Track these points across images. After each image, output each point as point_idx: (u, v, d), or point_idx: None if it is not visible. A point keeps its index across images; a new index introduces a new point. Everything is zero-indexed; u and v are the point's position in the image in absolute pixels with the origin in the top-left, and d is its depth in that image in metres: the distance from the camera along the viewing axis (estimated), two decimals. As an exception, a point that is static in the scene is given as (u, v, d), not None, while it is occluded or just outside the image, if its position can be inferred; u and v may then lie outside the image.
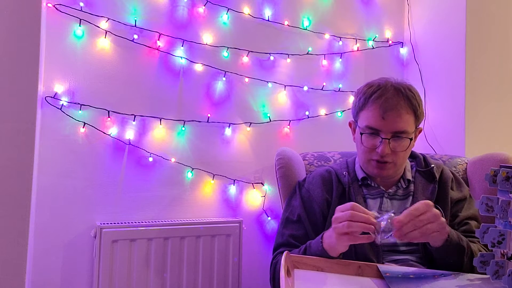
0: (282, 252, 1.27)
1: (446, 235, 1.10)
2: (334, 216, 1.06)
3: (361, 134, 1.29)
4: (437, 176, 1.34)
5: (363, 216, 1.02)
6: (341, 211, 1.05)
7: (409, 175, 1.35)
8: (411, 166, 1.39)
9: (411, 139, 1.27)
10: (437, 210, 1.05)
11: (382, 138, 1.25)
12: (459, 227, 1.28)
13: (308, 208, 1.34)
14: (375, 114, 1.26)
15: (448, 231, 1.10)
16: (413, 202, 1.30)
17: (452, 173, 1.39)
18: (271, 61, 2.13)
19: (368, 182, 1.35)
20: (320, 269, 1.05)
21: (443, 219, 1.06)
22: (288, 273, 0.98)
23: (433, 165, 1.36)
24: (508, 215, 0.89)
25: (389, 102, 1.25)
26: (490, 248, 0.93)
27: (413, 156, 1.42)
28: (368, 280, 1.02)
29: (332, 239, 1.07)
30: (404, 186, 1.33)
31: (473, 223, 1.29)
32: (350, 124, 1.40)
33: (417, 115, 1.29)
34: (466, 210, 1.32)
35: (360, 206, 1.04)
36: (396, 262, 1.23)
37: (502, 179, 0.89)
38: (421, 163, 1.39)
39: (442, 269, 1.12)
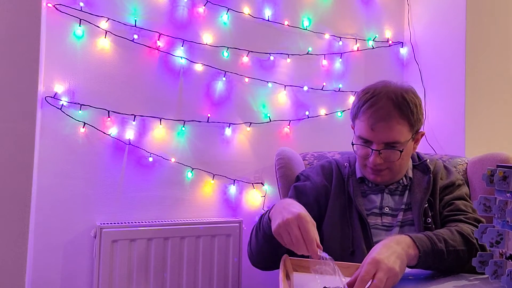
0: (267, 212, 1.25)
1: (415, 253, 1.02)
2: (289, 221, 0.98)
3: (353, 144, 1.31)
4: (431, 168, 1.35)
5: (302, 250, 0.96)
6: (297, 227, 0.97)
7: (410, 173, 1.36)
8: None
9: (401, 151, 1.24)
10: (385, 265, 0.93)
11: (373, 150, 1.24)
12: (444, 209, 1.28)
13: (301, 189, 1.37)
14: (365, 125, 1.25)
15: (413, 252, 1.02)
16: (409, 196, 1.31)
17: (444, 165, 1.40)
18: (271, 61, 2.13)
19: (366, 182, 1.36)
20: (319, 272, 1.05)
21: (393, 267, 0.93)
22: (288, 276, 0.98)
23: (426, 159, 1.38)
24: (506, 214, 0.88)
25: (379, 113, 1.22)
26: (488, 248, 0.93)
27: None
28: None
29: (274, 222, 1.02)
30: (406, 183, 1.34)
31: (459, 202, 1.28)
32: (352, 127, 1.41)
33: (412, 123, 1.25)
34: (453, 193, 1.31)
35: (312, 246, 0.95)
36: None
37: (499, 178, 0.89)
38: (415, 159, 1.40)
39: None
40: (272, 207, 1.13)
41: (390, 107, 1.23)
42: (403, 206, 1.30)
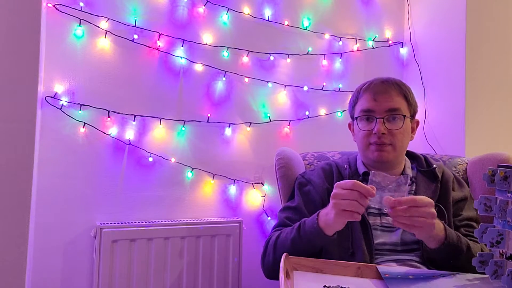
0: (277, 231, 1.30)
1: (442, 236, 1.12)
2: (334, 192, 1.08)
3: (357, 119, 1.35)
4: (439, 176, 1.34)
5: (366, 201, 1.05)
6: (343, 188, 1.06)
7: (409, 172, 1.36)
8: (412, 166, 1.40)
9: (404, 116, 1.31)
10: (434, 211, 1.06)
11: (377, 118, 1.30)
12: (460, 225, 1.28)
13: (307, 196, 1.36)
14: (368, 98, 1.33)
15: (442, 234, 1.12)
16: None
17: (454, 175, 1.40)
18: (271, 61, 2.14)
19: (368, 178, 1.34)
20: (319, 271, 1.05)
21: (435, 220, 1.08)
22: (288, 275, 0.98)
23: (435, 166, 1.37)
24: (507, 214, 0.88)
25: (379, 87, 1.33)
26: (489, 248, 0.92)
27: (413, 157, 1.43)
28: (368, 281, 1.02)
29: (330, 215, 1.10)
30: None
31: (475, 224, 1.30)
32: (349, 126, 1.44)
33: (409, 100, 1.34)
34: (468, 210, 1.32)
35: (362, 185, 1.05)
36: (396, 261, 1.23)
37: (500, 178, 0.89)
38: (422, 163, 1.40)
39: (442, 269, 1.12)
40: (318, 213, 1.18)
41: (388, 85, 1.34)
42: None
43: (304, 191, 1.38)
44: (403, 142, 1.33)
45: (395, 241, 1.25)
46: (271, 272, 1.28)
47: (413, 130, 1.38)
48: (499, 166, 0.90)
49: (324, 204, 1.32)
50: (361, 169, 1.37)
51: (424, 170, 1.37)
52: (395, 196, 1.05)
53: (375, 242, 1.24)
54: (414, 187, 1.34)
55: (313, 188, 1.36)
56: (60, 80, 1.78)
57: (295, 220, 1.30)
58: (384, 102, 1.31)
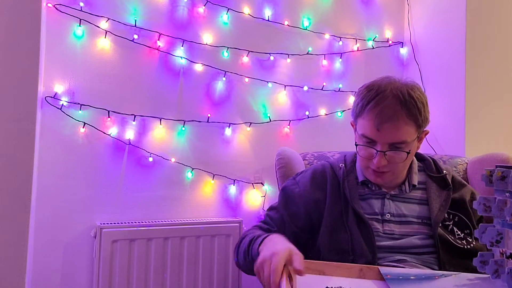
0: (257, 225, 1.30)
1: None
2: (262, 257, 0.96)
3: (356, 145, 1.23)
4: (450, 182, 1.28)
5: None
6: (269, 261, 0.93)
7: (415, 179, 1.28)
8: (420, 169, 1.33)
9: (408, 153, 1.19)
10: None
11: (377, 151, 1.17)
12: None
13: (290, 200, 1.31)
14: (370, 125, 1.17)
15: None
16: (430, 210, 1.23)
17: (454, 175, 1.34)
18: (271, 61, 2.14)
19: (369, 185, 1.28)
20: (322, 273, 1.05)
21: None
22: (290, 277, 0.98)
23: (445, 172, 1.30)
24: (505, 213, 0.88)
25: (385, 113, 1.15)
26: (489, 248, 0.93)
27: (421, 159, 1.36)
28: (370, 282, 1.02)
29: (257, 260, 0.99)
30: (408, 191, 1.27)
31: None
32: (352, 124, 1.33)
33: (419, 123, 1.19)
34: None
35: (277, 269, 0.90)
36: (398, 262, 1.21)
37: (497, 178, 0.89)
38: (431, 167, 1.32)
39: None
40: (264, 237, 1.10)
41: (397, 106, 1.16)
42: (413, 219, 1.24)
43: (287, 190, 1.33)
44: (405, 167, 1.25)
45: (399, 245, 1.20)
46: (238, 266, 1.27)
47: (421, 140, 1.26)
48: (497, 166, 0.90)
49: (309, 213, 1.27)
50: (360, 176, 1.29)
51: (434, 175, 1.29)
52: None
53: (377, 245, 1.18)
54: (425, 194, 1.26)
55: (299, 190, 1.31)
56: (60, 80, 1.78)
57: (275, 219, 1.29)
58: (388, 133, 1.15)
